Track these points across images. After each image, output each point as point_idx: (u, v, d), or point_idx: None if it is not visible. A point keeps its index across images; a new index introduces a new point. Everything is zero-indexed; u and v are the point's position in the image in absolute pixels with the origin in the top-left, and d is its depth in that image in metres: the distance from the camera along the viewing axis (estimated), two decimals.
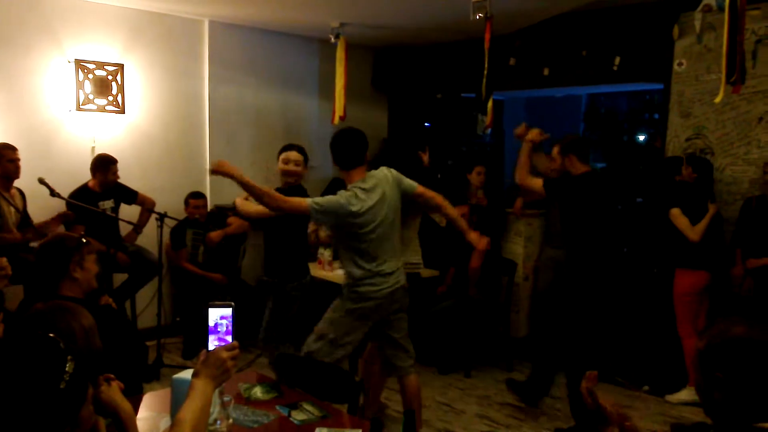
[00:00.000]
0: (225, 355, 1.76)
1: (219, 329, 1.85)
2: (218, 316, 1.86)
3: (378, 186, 3.38)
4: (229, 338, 1.85)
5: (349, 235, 3.36)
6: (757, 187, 4.66)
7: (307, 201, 3.28)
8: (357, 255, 3.39)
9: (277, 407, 2.46)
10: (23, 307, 2.91)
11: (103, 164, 5.01)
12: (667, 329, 4.66)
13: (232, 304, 1.88)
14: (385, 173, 3.46)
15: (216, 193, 5.98)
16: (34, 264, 2.59)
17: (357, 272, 3.40)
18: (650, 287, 4.90)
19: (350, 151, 3.43)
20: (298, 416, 2.38)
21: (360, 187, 3.33)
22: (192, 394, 1.70)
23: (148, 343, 4.76)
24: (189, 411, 1.67)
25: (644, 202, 5.42)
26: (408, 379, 3.55)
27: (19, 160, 4.58)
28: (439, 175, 6.99)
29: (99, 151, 5.24)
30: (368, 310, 3.42)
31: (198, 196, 5.58)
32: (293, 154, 4.08)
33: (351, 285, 3.45)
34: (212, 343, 1.83)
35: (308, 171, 4.29)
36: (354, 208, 3.26)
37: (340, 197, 3.29)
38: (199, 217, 5.49)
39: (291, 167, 4.06)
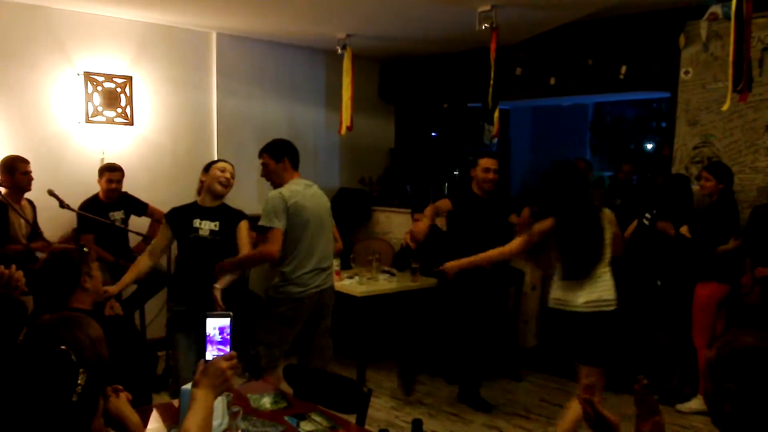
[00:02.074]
0: (224, 365, 1.79)
1: (217, 339, 1.87)
2: (216, 326, 1.87)
3: (308, 191, 3.73)
4: (227, 348, 1.86)
5: (289, 233, 3.62)
6: (766, 195, 4.64)
7: (275, 228, 3.55)
8: (289, 255, 3.64)
9: (286, 418, 2.46)
10: (33, 319, 2.92)
11: (99, 171, 5.07)
12: (677, 338, 4.63)
13: (231, 314, 1.89)
14: (316, 190, 3.82)
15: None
16: (44, 281, 2.60)
17: (281, 274, 3.68)
18: (655, 297, 4.87)
19: (297, 155, 3.82)
20: (306, 427, 2.39)
21: (291, 188, 3.67)
22: (194, 405, 1.74)
23: (157, 354, 4.76)
24: (193, 422, 1.70)
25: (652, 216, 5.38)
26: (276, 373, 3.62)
27: (31, 172, 4.62)
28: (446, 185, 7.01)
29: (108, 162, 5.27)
30: (293, 311, 3.66)
31: None
32: (229, 165, 3.93)
33: (277, 286, 3.69)
34: (210, 353, 1.84)
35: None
36: (289, 201, 3.59)
37: (277, 194, 3.63)
38: None
39: (227, 175, 3.84)
